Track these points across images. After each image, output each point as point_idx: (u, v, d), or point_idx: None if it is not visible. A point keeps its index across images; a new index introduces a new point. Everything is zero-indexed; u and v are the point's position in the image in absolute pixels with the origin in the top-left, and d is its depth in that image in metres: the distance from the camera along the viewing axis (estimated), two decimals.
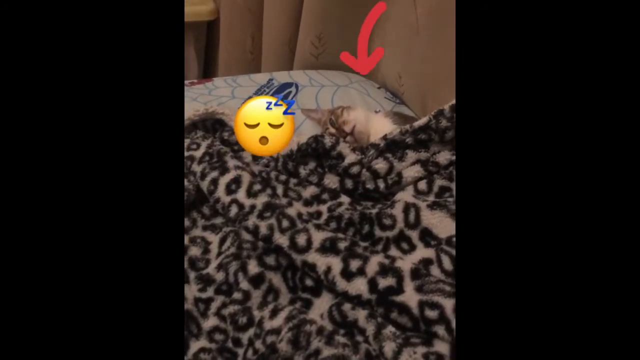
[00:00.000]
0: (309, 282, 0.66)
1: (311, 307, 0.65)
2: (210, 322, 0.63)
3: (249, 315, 0.62)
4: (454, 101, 0.82)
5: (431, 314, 0.56)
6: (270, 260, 0.67)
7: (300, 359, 0.52)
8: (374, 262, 0.62)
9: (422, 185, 0.76)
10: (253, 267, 0.66)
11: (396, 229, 0.70)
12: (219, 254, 0.71)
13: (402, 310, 0.58)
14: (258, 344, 0.57)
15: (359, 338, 0.57)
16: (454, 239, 0.66)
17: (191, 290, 0.66)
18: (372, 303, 0.60)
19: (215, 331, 0.62)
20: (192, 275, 0.68)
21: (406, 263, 0.62)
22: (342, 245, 0.65)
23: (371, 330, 0.57)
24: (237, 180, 0.76)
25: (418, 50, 1.08)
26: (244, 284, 0.65)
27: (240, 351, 0.59)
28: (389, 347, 0.54)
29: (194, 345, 0.60)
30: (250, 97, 1.09)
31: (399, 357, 0.53)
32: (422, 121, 0.80)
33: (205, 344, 0.61)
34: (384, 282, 0.60)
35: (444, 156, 0.78)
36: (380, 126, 0.89)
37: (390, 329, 0.56)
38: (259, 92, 1.13)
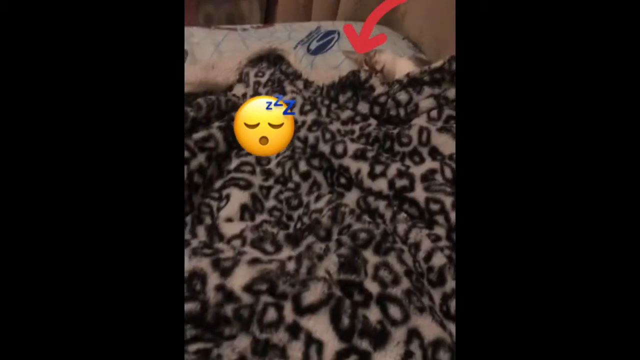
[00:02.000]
0: (342, 180, 0.68)
1: (343, 199, 0.67)
2: (270, 203, 0.66)
3: (299, 199, 0.65)
4: None
5: (434, 207, 0.58)
6: (315, 162, 0.69)
7: (337, 229, 0.54)
8: (394, 168, 0.63)
9: (434, 113, 0.75)
10: (302, 166, 0.68)
11: (411, 146, 0.70)
12: (278, 155, 0.72)
13: (413, 204, 0.60)
14: (305, 219, 0.60)
15: (379, 220, 0.59)
16: (454, 156, 0.66)
17: (257, 179, 0.68)
18: (390, 197, 0.61)
19: (274, 209, 0.65)
20: (257, 169, 0.70)
21: (417, 170, 0.63)
22: (370, 154, 0.66)
23: (388, 215, 0.58)
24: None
25: (437, 11, 1.02)
26: (296, 178, 0.67)
27: (292, 223, 0.62)
28: (401, 228, 0.56)
29: (259, 217, 0.63)
30: (300, 41, 1.07)
31: (408, 235, 0.55)
32: (437, 64, 0.78)
33: (266, 217, 0.64)
34: (400, 183, 0.61)
35: (452, 92, 0.76)
36: (404, 67, 0.87)
37: (402, 215, 0.58)
38: (309, 37, 1.09)
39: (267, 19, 1.75)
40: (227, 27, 1.12)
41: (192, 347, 0.40)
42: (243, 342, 0.39)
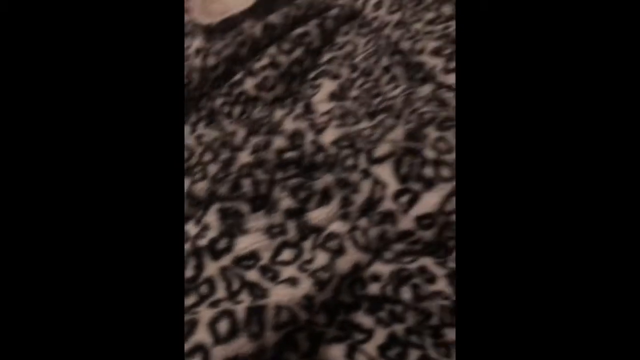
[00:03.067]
0: (420, 75, 0.77)
1: (419, 89, 0.76)
2: (354, 92, 0.79)
3: (379, 90, 0.77)
4: None
5: None
6: (397, 57, 0.79)
7: (407, 111, 0.66)
8: None
9: None
10: (385, 61, 0.79)
11: None
12: (364, 51, 0.83)
13: None
14: (383, 105, 0.72)
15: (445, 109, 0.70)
16: None
17: (345, 71, 0.80)
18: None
19: (358, 97, 0.78)
20: (345, 62, 0.82)
21: None
22: (446, 52, 0.74)
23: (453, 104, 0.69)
24: (381, 2, 0.85)
25: None
26: (377, 72, 0.79)
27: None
28: None
29: (349, 101, 0.77)
30: None
31: None
32: None
33: (351, 103, 0.77)
34: None
35: None
36: None
37: None
38: None
39: None
40: None
41: (291, 182, 0.58)
42: (329, 178, 0.56)
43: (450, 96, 0.71)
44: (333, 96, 0.76)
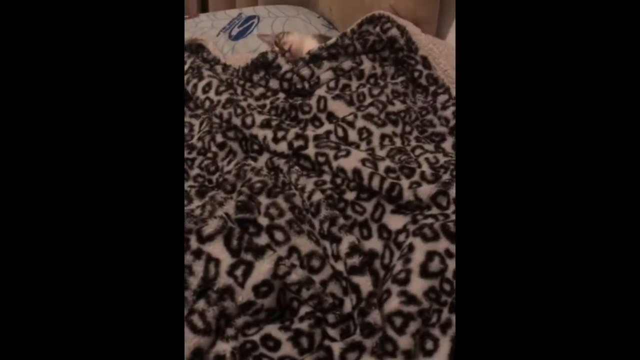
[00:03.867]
0: (255, 147, 0.82)
1: (257, 161, 0.81)
2: (194, 172, 0.80)
3: (216, 166, 0.79)
4: (353, 26, 0.94)
5: (321, 159, 0.73)
6: (230, 134, 0.83)
7: (240, 183, 0.69)
8: (292, 132, 0.78)
9: (332, 84, 0.90)
10: (219, 138, 0.82)
11: (311, 114, 0.85)
12: (199, 131, 0.86)
13: (306, 159, 0.75)
14: (219, 179, 0.75)
15: (280, 175, 0.74)
16: (348, 118, 0.81)
17: (184, 154, 0.82)
18: (290, 156, 0.76)
19: (198, 176, 0.79)
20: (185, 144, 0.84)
21: (312, 133, 0.78)
22: (274, 123, 0.80)
23: (285, 169, 0.74)
24: (209, 84, 0.89)
25: None
26: (214, 148, 0.81)
27: (212, 185, 0.77)
28: (293, 177, 0.71)
29: (187, 184, 0.77)
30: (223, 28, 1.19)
31: (298, 182, 0.70)
32: (332, 40, 0.93)
33: (192, 183, 0.78)
34: (296, 143, 0.76)
35: (347, 64, 0.92)
36: (309, 45, 1.01)
37: (296, 169, 0.73)
38: (231, 24, 1.22)
39: (204, 7, 1.85)
40: None
41: None
42: None
43: (282, 162, 0.76)
44: None
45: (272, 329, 0.53)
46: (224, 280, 0.54)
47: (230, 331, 0.52)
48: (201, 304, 0.52)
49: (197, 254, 0.55)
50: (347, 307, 0.55)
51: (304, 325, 0.53)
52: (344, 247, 0.59)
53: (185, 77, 0.93)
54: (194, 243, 0.56)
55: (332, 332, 0.54)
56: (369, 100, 0.86)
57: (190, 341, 0.49)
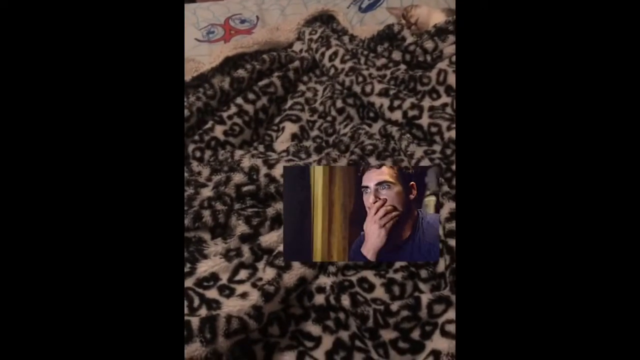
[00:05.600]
0: (371, 114, 0.88)
1: (371, 127, 0.87)
2: (314, 133, 0.89)
3: (334, 129, 0.87)
4: None
5: (433, 129, 0.76)
6: (350, 100, 0.90)
7: (353, 144, 0.76)
8: (408, 102, 0.82)
9: (454, 58, 0.91)
10: (339, 103, 0.90)
11: (430, 86, 0.88)
12: (322, 96, 0.95)
13: (419, 128, 0.79)
14: (336, 140, 0.83)
15: (391, 141, 0.79)
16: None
17: (304, 115, 0.92)
18: (403, 124, 0.81)
19: (317, 137, 0.88)
20: (306, 107, 0.93)
21: (427, 104, 0.81)
22: (391, 92, 0.85)
23: (397, 136, 0.79)
24: (335, 53, 0.97)
25: None
26: (333, 113, 0.89)
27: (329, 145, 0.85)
28: (405, 145, 0.76)
29: (306, 143, 0.87)
30: (354, 0, 1.24)
31: (410, 150, 0.75)
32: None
33: (310, 142, 0.87)
34: (411, 113, 0.80)
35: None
36: (436, 18, 1.03)
37: (408, 136, 0.78)
38: None
39: None
40: None
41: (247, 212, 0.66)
42: (279, 206, 0.65)
43: (394, 130, 0.81)
44: (294, 137, 0.87)
45: (369, 274, 0.59)
46: None
47: (332, 268, 0.60)
48: None
49: None
50: (441, 266, 0.60)
51: (398, 276, 0.59)
52: (444, 212, 0.62)
53: (315, 46, 1.02)
54: None
55: (423, 287, 0.59)
56: None
57: (298, 270, 0.58)
